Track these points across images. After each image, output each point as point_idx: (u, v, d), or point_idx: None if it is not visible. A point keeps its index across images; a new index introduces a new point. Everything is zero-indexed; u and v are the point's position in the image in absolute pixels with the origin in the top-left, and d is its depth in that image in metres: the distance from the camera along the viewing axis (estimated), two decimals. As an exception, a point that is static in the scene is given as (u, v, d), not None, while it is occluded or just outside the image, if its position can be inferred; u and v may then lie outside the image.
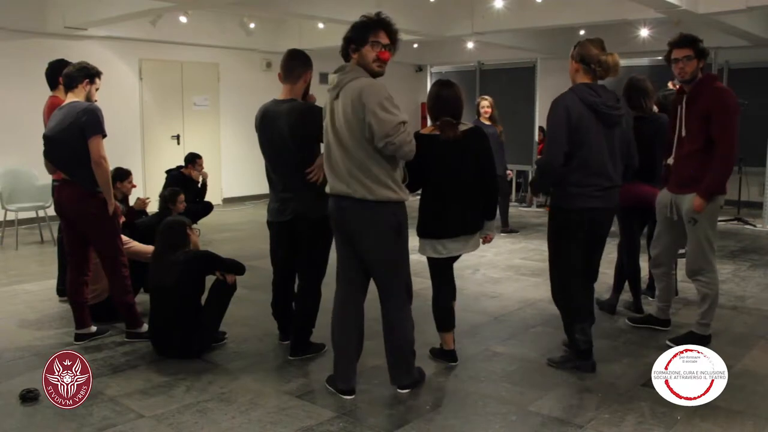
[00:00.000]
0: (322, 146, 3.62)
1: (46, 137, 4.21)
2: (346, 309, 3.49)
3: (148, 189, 9.45)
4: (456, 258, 3.82)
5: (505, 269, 6.46)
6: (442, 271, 3.84)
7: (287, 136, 3.78)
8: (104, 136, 4.09)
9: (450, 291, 3.92)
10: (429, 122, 3.79)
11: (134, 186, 5.86)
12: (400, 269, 3.43)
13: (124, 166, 5.79)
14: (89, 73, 4.24)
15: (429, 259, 3.77)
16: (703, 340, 4.07)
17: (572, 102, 3.53)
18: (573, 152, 3.54)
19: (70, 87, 4.23)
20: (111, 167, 4.29)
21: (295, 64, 3.89)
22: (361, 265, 3.43)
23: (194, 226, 4.49)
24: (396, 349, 3.47)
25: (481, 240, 3.84)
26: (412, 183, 3.52)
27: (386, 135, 3.10)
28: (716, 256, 4.14)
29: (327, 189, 3.42)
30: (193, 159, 7.74)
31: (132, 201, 6.02)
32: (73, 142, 4.05)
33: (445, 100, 3.65)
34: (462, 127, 3.63)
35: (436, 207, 3.63)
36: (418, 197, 3.72)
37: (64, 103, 4.25)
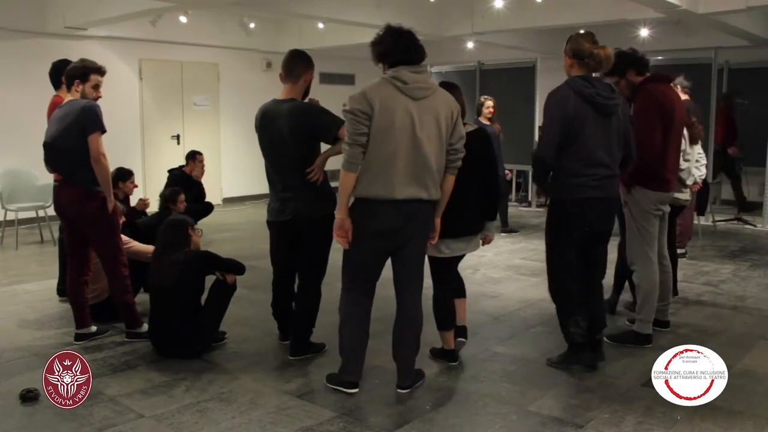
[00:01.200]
0: (323, 146, 3.62)
1: (46, 144, 4.20)
2: (362, 306, 3.48)
3: (148, 189, 9.45)
4: (459, 258, 3.83)
5: (505, 269, 6.46)
6: (443, 271, 3.84)
7: (287, 136, 3.77)
8: (103, 132, 4.08)
9: (456, 289, 3.97)
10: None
11: (136, 186, 5.86)
12: (424, 262, 3.56)
13: (125, 166, 5.79)
14: (76, 73, 4.18)
15: (431, 258, 3.78)
16: (642, 340, 4.16)
17: (566, 94, 3.58)
18: (569, 143, 3.58)
19: (68, 87, 4.24)
20: (111, 167, 4.29)
21: (296, 64, 3.89)
22: (384, 264, 3.46)
23: (196, 226, 4.48)
24: (411, 339, 3.49)
25: (480, 241, 3.85)
26: None
27: (463, 136, 3.35)
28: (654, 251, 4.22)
29: (387, 194, 3.22)
30: (193, 155, 7.73)
31: (133, 201, 6.02)
32: (72, 142, 4.04)
33: None
34: (467, 128, 3.65)
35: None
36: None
37: (63, 103, 4.25)
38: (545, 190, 3.94)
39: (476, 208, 3.73)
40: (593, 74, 3.71)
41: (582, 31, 3.72)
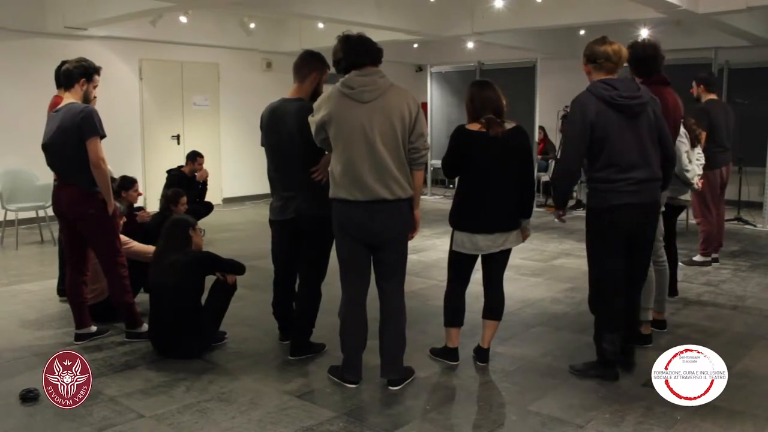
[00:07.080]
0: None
1: (45, 147, 4.19)
2: (358, 304, 3.56)
3: (148, 189, 9.44)
4: (495, 256, 3.78)
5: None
6: (458, 267, 3.84)
7: (296, 134, 3.78)
8: (103, 137, 4.08)
9: (491, 308, 3.95)
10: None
11: (140, 194, 5.84)
12: (406, 256, 3.62)
13: (125, 166, 5.82)
14: (82, 72, 4.18)
15: (458, 254, 3.77)
16: (643, 340, 4.16)
17: (587, 100, 3.49)
18: (597, 150, 3.48)
19: (67, 86, 4.21)
20: (111, 168, 4.28)
21: (302, 66, 3.96)
22: (370, 262, 3.54)
23: (198, 227, 4.47)
24: (395, 334, 3.54)
25: (509, 239, 3.75)
26: (451, 172, 3.77)
27: (423, 134, 3.44)
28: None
29: (347, 196, 3.38)
30: (194, 157, 7.72)
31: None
32: (71, 148, 4.03)
33: (487, 99, 3.67)
34: (506, 126, 3.65)
35: (478, 202, 3.65)
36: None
37: (60, 106, 4.21)
38: (563, 206, 3.80)
39: (510, 206, 3.68)
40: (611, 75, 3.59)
41: (589, 37, 3.64)
